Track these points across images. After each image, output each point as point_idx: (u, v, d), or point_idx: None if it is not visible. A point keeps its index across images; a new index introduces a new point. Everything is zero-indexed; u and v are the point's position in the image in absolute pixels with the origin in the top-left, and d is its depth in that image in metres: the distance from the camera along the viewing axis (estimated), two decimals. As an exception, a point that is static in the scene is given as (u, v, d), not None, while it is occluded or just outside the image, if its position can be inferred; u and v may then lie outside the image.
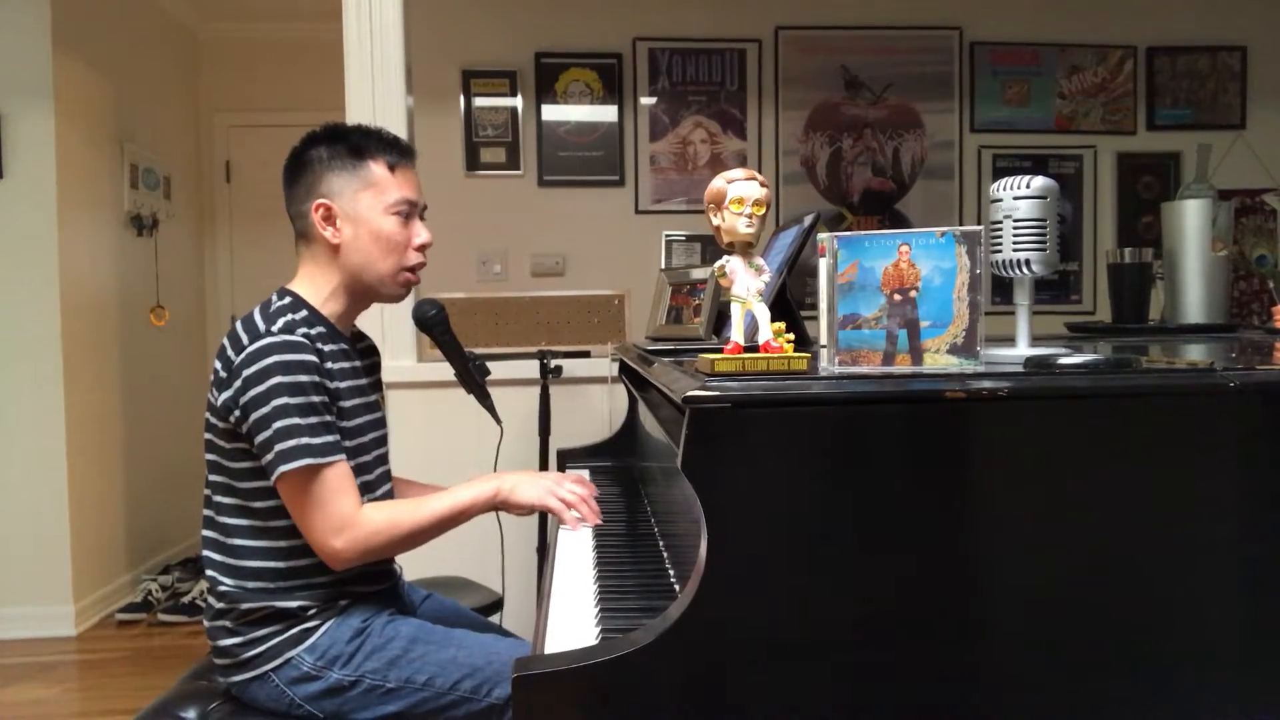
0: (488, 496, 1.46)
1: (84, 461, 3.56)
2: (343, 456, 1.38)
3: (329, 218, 1.47)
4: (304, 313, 1.44)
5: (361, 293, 1.52)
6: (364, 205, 1.47)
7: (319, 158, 1.48)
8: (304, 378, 1.35)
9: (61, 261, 3.43)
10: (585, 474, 1.81)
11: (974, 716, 0.89)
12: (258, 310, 1.43)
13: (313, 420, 1.35)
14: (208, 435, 1.42)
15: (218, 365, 1.41)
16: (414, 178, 1.54)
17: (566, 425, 2.48)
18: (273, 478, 1.35)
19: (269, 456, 1.34)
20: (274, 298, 1.46)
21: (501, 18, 3.55)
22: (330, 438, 1.37)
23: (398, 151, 1.51)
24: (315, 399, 1.36)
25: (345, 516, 1.36)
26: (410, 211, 1.51)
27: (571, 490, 1.50)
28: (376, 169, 1.48)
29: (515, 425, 2.43)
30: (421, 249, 1.53)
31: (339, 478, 1.36)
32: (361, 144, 1.49)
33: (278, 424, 1.33)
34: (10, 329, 3.40)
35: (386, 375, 2.48)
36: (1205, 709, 0.91)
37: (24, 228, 3.39)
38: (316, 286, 1.49)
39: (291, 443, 1.33)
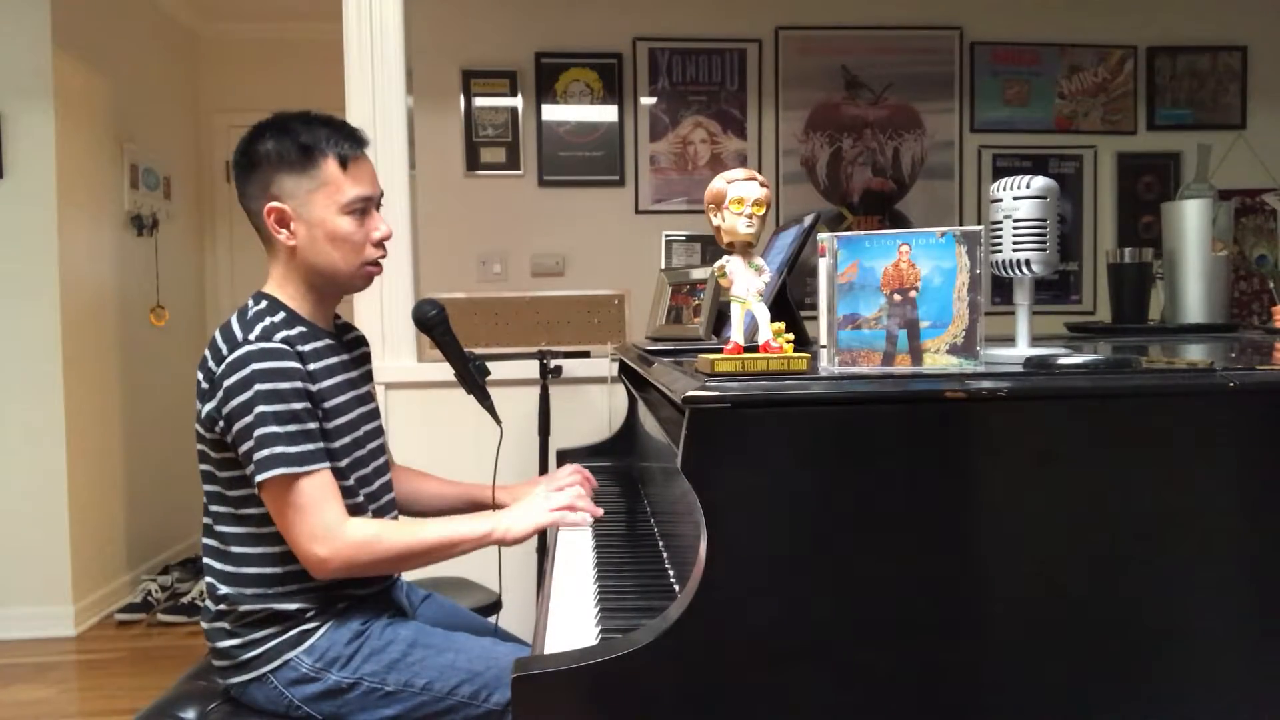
0: (480, 535, 1.43)
1: (84, 461, 3.56)
2: (325, 465, 1.36)
3: (283, 221, 1.42)
4: (282, 314, 1.42)
5: (327, 288, 1.48)
6: (318, 206, 1.42)
7: (267, 155, 1.42)
8: (284, 385, 1.34)
9: (61, 261, 3.43)
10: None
11: (974, 716, 0.89)
12: (235, 318, 1.41)
13: (292, 428, 1.33)
14: (199, 447, 1.42)
15: (200, 377, 1.39)
16: (368, 168, 1.47)
17: (566, 425, 2.48)
18: (255, 486, 1.34)
19: (250, 466, 1.33)
20: (250, 303, 1.44)
21: (501, 18, 3.55)
22: (310, 446, 1.35)
23: (350, 142, 1.43)
24: (296, 406, 1.34)
25: (327, 525, 1.34)
26: (366, 207, 1.45)
27: (563, 494, 1.51)
28: (328, 167, 1.41)
29: (515, 425, 2.43)
30: (380, 243, 1.47)
31: (319, 486, 1.35)
32: (310, 141, 1.41)
33: (258, 433, 1.32)
34: (10, 329, 3.40)
35: (386, 375, 2.49)
36: (1205, 709, 0.91)
37: (24, 228, 3.39)
38: (287, 286, 1.47)
39: (268, 451, 1.32)
